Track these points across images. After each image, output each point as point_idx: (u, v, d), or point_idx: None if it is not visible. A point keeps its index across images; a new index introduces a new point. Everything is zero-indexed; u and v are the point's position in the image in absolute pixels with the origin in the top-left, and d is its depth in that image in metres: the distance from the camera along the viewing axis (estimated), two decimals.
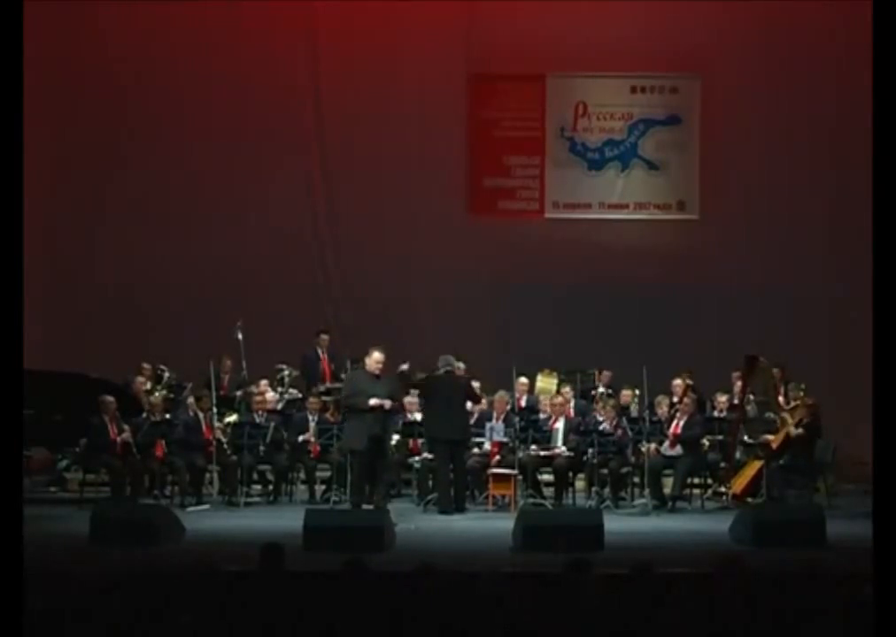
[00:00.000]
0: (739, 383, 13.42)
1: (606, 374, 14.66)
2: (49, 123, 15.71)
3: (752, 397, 13.68)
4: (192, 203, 16.26)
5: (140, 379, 14.13)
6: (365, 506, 11.74)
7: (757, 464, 12.77)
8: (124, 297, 16.13)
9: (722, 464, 12.90)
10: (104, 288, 16.16)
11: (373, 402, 11.82)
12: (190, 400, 13.43)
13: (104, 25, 16.23)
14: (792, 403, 13.03)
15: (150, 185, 16.35)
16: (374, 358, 12.05)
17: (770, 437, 12.83)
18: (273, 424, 13.13)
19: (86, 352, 14.94)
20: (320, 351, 15.01)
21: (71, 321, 15.95)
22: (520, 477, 12.59)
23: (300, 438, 13.09)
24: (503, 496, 12.60)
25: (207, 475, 13.07)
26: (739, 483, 12.74)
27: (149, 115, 16.32)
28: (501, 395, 13.25)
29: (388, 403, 11.95)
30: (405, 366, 12.70)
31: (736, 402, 13.27)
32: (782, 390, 13.35)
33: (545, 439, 12.83)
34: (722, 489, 12.83)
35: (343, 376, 14.15)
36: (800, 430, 12.66)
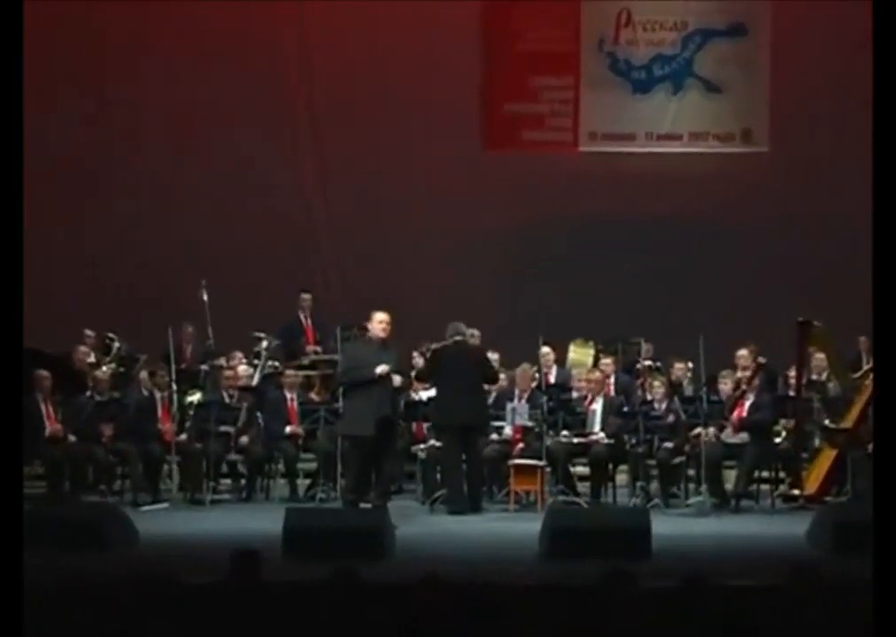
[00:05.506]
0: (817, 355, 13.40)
1: (647, 346, 14.55)
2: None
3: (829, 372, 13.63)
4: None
5: (82, 349, 14.09)
6: (361, 505, 11.78)
7: (831, 455, 12.73)
8: (68, 252, 16.18)
9: (805, 455, 12.86)
10: (47, 243, 16.14)
11: (379, 369, 11.76)
12: (143, 375, 13.50)
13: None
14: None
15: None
16: (378, 319, 12.03)
17: (846, 423, 12.79)
18: (245, 405, 13.17)
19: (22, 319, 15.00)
20: (302, 315, 15.03)
21: None
22: (548, 469, 12.64)
23: (287, 429, 13.09)
24: (527, 493, 12.64)
25: (165, 467, 13.12)
26: (813, 480, 12.70)
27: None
28: (525, 368, 13.27)
29: (398, 379, 11.96)
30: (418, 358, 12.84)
31: (806, 378, 13.17)
32: (869, 363, 13.30)
33: (579, 423, 12.86)
34: (795, 491, 12.78)
35: (326, 348, 14.25)
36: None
